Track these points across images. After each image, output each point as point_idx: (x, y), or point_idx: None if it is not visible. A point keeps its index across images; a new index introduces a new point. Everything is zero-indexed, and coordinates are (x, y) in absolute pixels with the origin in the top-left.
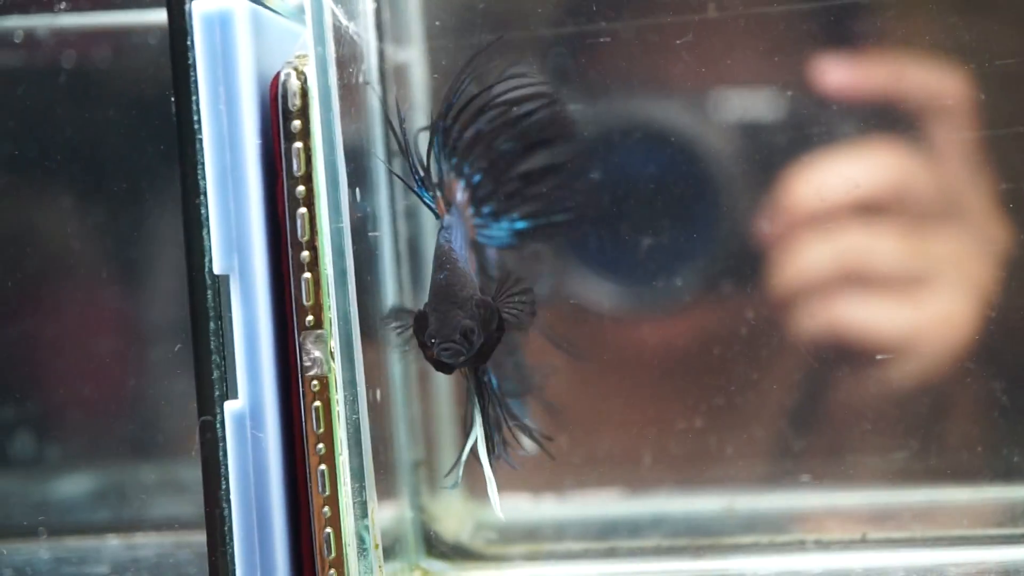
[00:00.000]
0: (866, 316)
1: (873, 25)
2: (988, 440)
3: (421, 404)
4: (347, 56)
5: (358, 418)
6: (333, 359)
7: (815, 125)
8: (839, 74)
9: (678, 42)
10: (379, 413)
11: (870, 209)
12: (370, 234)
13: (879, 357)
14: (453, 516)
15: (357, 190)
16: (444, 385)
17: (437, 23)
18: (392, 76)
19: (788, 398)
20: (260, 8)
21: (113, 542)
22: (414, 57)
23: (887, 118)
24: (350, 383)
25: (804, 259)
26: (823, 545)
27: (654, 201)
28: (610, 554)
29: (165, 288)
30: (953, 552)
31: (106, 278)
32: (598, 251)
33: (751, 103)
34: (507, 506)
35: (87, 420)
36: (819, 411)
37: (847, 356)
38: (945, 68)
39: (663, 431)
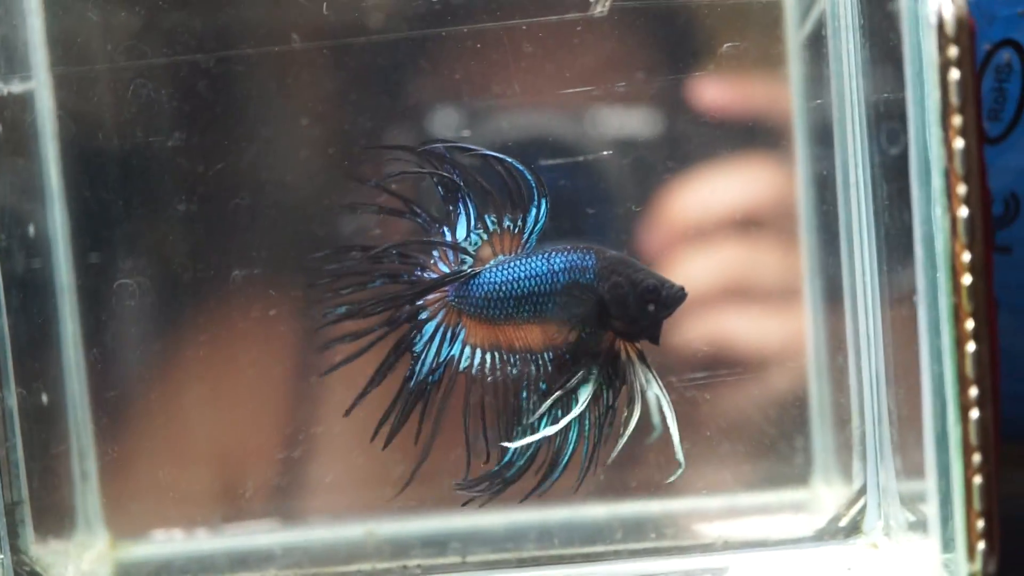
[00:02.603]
0: (745, 329)
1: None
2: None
3: (23, 440)
4: None
5: None
6: None
7: (692, 142)
8: (713, 92)
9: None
10: None
11: (747, 223)
12: None
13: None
14: (62, 559)
15: None
16: (58, 421)
17: (60, 51)
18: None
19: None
20: None
21: None
22: (36, 88)
23: (761, 134)
24: None
25: (683, 273)
26: (426, 570)
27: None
28: None
29: None
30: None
31: None
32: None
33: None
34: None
35: None
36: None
37: None
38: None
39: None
